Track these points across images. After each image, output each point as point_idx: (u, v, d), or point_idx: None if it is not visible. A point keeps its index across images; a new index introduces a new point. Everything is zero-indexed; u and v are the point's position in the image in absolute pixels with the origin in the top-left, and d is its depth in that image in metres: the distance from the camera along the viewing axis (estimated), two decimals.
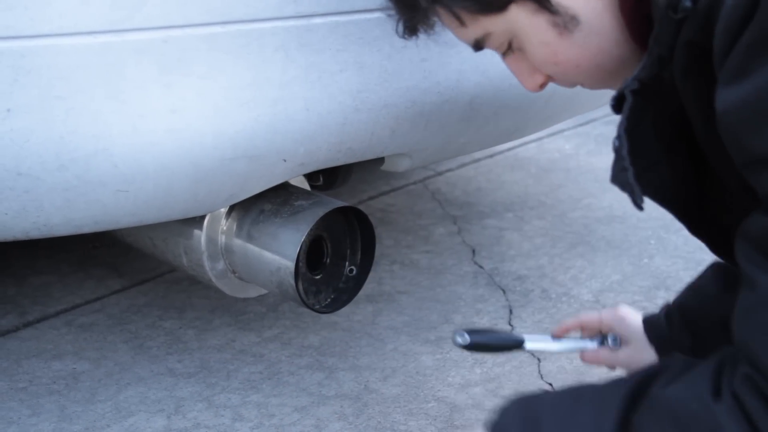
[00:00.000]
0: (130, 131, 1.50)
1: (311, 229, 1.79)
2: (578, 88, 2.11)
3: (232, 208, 1.91)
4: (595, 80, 1.28)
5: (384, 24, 1.66)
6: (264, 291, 2.08)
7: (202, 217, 1.89)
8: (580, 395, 1.23)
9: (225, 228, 1.92)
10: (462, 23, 1.27)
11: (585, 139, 4.11)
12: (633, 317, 1.67)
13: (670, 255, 2.81)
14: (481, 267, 2.75)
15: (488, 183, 3.53)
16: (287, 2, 1.55)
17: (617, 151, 1.21)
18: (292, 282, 1.76)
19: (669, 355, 1.32)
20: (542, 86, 1.35)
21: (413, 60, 1.72)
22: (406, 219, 3.17)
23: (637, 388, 1.16)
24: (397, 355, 2.22)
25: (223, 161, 1.60)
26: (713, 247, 1.40)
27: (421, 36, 1.38)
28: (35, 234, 1.63)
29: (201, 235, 1.92)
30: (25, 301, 2.51)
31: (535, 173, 3.63)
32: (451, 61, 1.78)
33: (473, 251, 2.89)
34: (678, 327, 1.59)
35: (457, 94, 1.82)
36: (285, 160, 1.68)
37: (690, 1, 1.07)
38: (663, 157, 1.27)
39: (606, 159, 3.79)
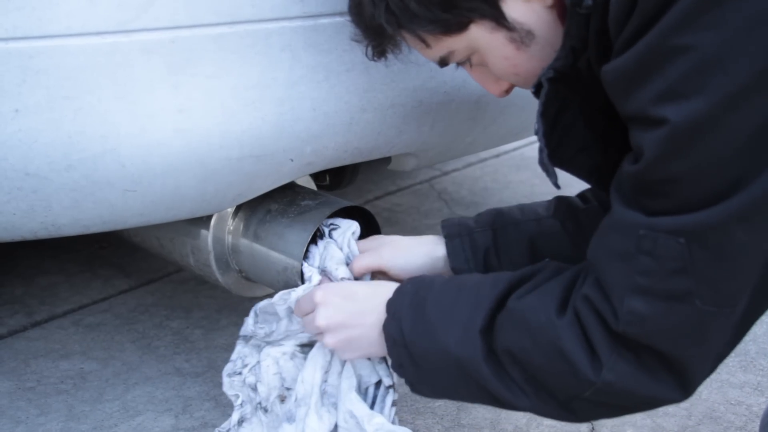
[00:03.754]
0: (137, 131, 1.50)
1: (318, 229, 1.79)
2: None
3: (239, 208, 1.91)
4: None
5: None
6: (271, 290, 2.08)
7: (209, 217, 1.89)
8: (462, 286, 1.36)
9: (232, 228, 1.92)
10: (427, 45, 1.36)
11: None
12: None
13: None
14: None
15: (494, 183, 3.53)
16: (294, 2, 1.56)
17: (536, 133, 1.33)
18: (299, 282, 1.76)
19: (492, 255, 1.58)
20: (507, 92, 1.46)
21: (420, 60, 1.72)
22: (412, 219, 3.17)
23: (506, 290, 1.30)
24: None
25: (230, 161, 1.60)
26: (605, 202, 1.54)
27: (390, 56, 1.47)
28: (43, 234, 1.63)
29: (208, 235, 1.92)
30: (32, 301, 2.52)
31: (541, 173, 3.60)
32: None
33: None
34: (483, 225, 1.65)
35: (463, 94, 1.82)
36: (292, 160, 1.68)
37: None
38: (594, 142, 1.40)
39: None
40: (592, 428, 1.94)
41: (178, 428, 1.93)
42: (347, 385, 1.55)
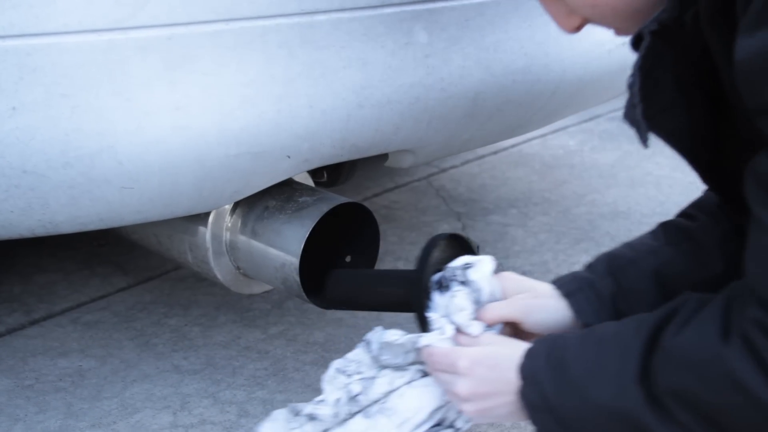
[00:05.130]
0: (134, 128, 1.51)
1: (315, 226, 1.79)
2: (583, 83, 2.13)
3: (236, 205, 1.92)
4: (629, 24, 1.25)
5: (387, 20, 1.67)
6: (269, 287, 2.09)
7: (207, 214, 1.90)
8: (602, 338, 1.24)
9: (230, 225, 1.93)
10: None
11: (589, 135, 4.11)
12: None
13: None
14: None
15: (492, 179, 3.53)
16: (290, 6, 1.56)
17: (630, 87, 1.23)
18: (297, 278, 1.76)
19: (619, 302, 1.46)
20: (578, 28, 1.32)
21: (417, 56, 1.73)
22: (410, 216, 3.17)
23: (654, 332, 1.18)
24: None
25: (227, 158, 1.61)
26: (723, 198, 1.42)
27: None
28: (41, 231, 1.64)
29: (206, 232, 1.93)
30: (30, 299, 2.52)
31: (539, 169, 3.63)
32: (454, 57, 1.79)
33: (477, 247, 2.89)
34: (601, 273, 1.51)
35: (460, 90, 1.82)
36: (289, 157, 1.68)
37: None
38: (680, 101, 1.28)
39: (610, 155, 3.81)
40: None
41: (177, 425, 1.93)
42: None
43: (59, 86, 1.43)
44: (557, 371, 1.25)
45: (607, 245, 2.84)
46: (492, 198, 3.34)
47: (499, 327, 1.45)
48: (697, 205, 1.53)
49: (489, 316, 1.44)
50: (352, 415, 1.46)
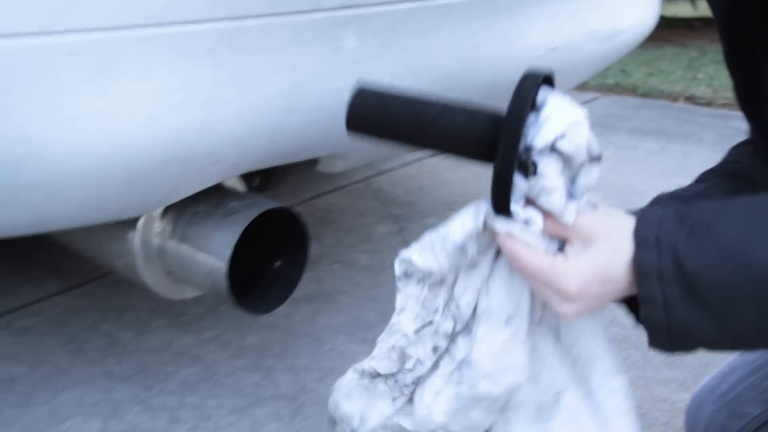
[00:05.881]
0: (62, 134, 1.50)
1: (244, 231, 1.79)
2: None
3: (166, 210, 1.91)
4: None
5: (317, 26, 1.67)
6: (199, 293, 2.08)
7: (137, 219, 1.89)
8: (753, 204, 1.03)
9: (160, 230, 1.92)
10: None
11: None
12: None
13: None
14: None
15: (430, 182, 3.55)
16: (219, 4, 1.55)
17: None
18: (226, 283, 1.76)
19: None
20: None
21: (346, 61, 1.73)
22: (348, 218, 3.18)
23: None
24: (334, 356, 2.23)
25: (155, 163, 1.60)
26: (738, 82, 1.32)
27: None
28: None
29: (136, 237, 1.92)
30: None
31: (477, 171, 3.64)
32: (384, 63, 1.79)
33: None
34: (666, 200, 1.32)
35: None
36: (217, 162, 1.68)
37: None
38: None
39: None
40: None
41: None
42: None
43: None
44: (698, 233, 1.01)
45: None
46: (429, 200, 3.35)
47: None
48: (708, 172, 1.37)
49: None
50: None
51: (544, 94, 1.04)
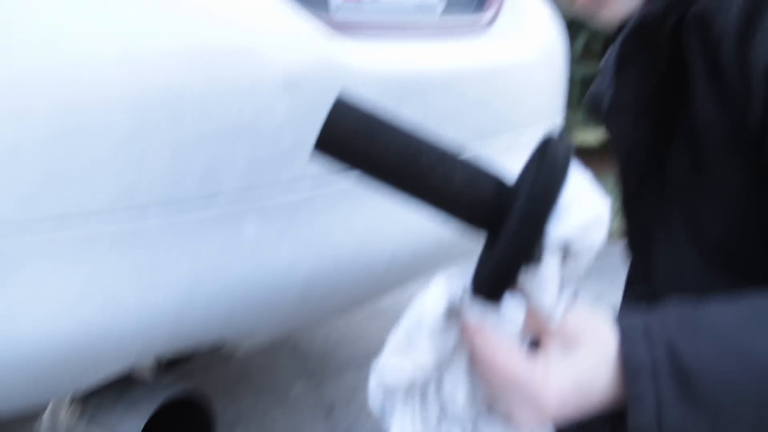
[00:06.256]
0: None
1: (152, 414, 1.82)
2: (417, 256, 2.20)
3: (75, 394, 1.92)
4: None
5: (217, 218, 1.72)
6: None
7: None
8: (748, 302, 0.97)
9: (68, 413, 1.93)
10: None
11: None
12: None
13: None
14: (335, 426, 2.79)
15: (347, 334, 3.58)
16: (120, 202, 1.60)
17: (603, 69, 1.22)
18: None
19: None
20: None
21: (246, 250, 1.78)
22: (265, 375, 3.19)
23: None
24: None
25: (60, 359, 1.62)
26: (630, 234, 1.32)
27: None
28: None
29: (44, 421, 1.93)
30: None
31: (395, 322, 3.68)
32: (283, 248, 1.84)
33: (329, 409, 2.93)
34: None
35: (290, 280, 1.88)
36: (122, 353, 1.71)
37: None
38: (634, 109, 1.21)
39: None
40: None
41: None
42: None
43: None
44: (689, 327, 0.94)
45: None
46: (346, 354, 3.38)
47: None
48: None
49: None
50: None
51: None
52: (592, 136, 6.86)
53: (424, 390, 0.97)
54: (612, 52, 1.18)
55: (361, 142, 0.92)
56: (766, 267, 1.07)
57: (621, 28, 1.17)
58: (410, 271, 2.33)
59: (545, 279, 0.89)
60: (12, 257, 1.52)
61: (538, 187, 0.86)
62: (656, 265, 1.23)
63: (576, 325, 0.94)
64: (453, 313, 0.93)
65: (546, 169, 0.86)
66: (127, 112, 1.57)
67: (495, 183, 0.92)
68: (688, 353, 0.90)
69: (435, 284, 0.94)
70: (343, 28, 2.01)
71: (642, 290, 1.26)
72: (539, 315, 0.93)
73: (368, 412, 2.85)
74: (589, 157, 7.17)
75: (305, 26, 1.87)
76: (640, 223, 1.28)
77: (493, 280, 0.90)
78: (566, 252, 0.89)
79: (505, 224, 0.88)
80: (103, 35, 1.56)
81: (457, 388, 0.97)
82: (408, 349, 0.95)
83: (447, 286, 0.93)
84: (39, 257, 1.55)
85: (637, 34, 1.12)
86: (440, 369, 0.97)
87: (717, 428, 0.92)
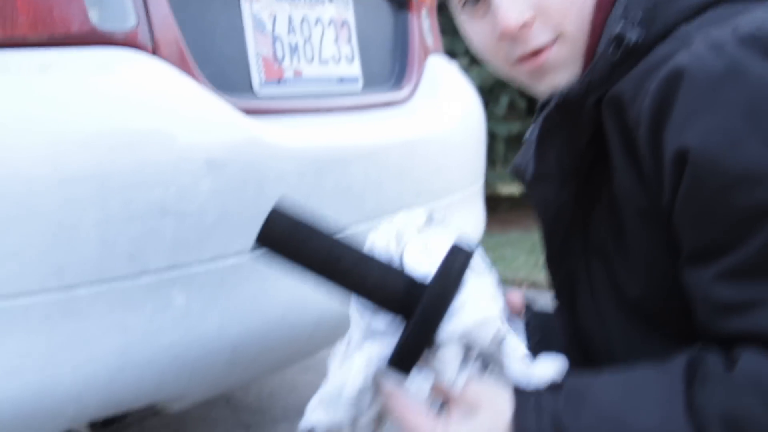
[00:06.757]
0: None
1: None
2: (343, 319, 2.30)
3: None
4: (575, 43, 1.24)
5: (145, 288, 1.81)
6: None
7: None
8: (627, 377, 1.13)
9: None
10: None
11: None
12: None
13: None
14: None
15: (281, 386, 3.65)
16: (51, 277, 1.67)
17: (528, 142, 1.30)
18: None
19: None
20: (523, 27, 1.21)
21: (175, 317, 1.86)
22: (200, 429, 3.25)
23: (688, 369, 1.10)
24: None
25: None
26: (556, 287, 1.44)
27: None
28: None
29: None
30: None
31: (327, 373, 3.76)
32: (212, 315, 1.93)
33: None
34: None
35: (219, 345, 1.95)
36: (55, 418, 1.78)
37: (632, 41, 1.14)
38: (557, 179, 1.30)
39: None
40: None
41: None
42: None
43: None
44: (574, 401, 1.11)
45: None
46: (280, 406, 3.45)
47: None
48: None
49: None
50: None
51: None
52: (515, 188, 7.04)
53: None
54: (535, 127, 1.29)
55: (292, 244, 1.14)
56: (681, 324, 1.20)
57: (547, 101, 1.29)
58: (335, 332, 2.41)
59: (444, 360, 1.12)
60: None
61: (433, 294, 1.10)
62: (580, 316, 1.35)
63: (477, 394, 1.14)
64: (375, 378, 1.16)
65: (442, 279, 1.10)
66: (55, 195, 1.66)
67: (405, 286, 1.15)
68: (569, 424, 1.08)
69: (358, 358, 1.17)
70: (265, 106, 2.13)
71: (569, 340, 1.39)
72: (443, 385, 1.14)
73: None
74: (515, 206, 7.34)
75: (226, 109, 1.99)
76: (564, 277, 1.40)
77: (399, 360, 1.13)
78: (465, 339, 1.12)
79: (409, 319, 1.11)
80: (29, 123, 1.66)
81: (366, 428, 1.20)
82: (329, 408, 1.20)
83: (367, 360, 1.16)
84: None
85: (559, 111, 1.23)
86: (354, 423, 1.21)
87: None
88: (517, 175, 1.36)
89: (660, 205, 1.15)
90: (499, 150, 6.61)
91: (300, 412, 3.23)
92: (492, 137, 6.29)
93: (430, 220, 1.30)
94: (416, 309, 1.10)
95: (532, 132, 1.31)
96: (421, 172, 2.53)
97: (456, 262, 1.12)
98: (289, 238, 1.14)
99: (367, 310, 1.20)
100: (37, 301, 1.68)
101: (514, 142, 6.68)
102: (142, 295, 1.82)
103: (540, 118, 1.26)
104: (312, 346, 2.37)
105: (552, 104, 1.23)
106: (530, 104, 6.70)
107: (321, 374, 3.67)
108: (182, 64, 1.93)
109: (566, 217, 1.33)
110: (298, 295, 2.14)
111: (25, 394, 1.70)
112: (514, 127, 6.57)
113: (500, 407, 1.13)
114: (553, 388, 1.13)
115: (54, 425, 1.81)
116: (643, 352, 1.16)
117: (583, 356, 1.31)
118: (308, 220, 1.16)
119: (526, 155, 1.32)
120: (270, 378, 3.73)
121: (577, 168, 1.29)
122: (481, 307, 1.11)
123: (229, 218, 1.92)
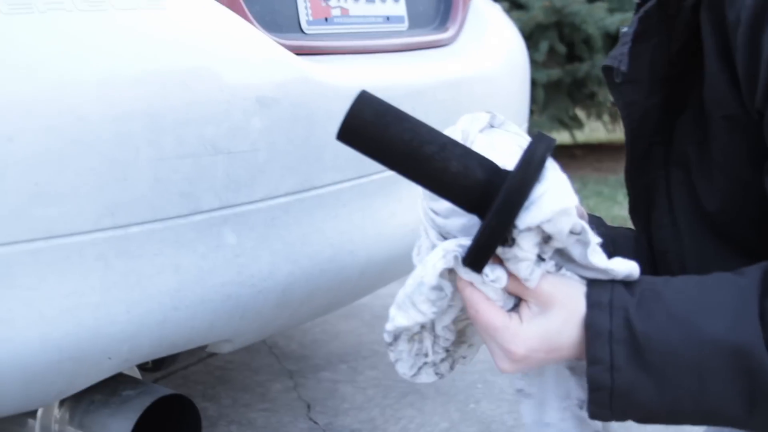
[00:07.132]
0: None
1: (139, 418, 1.90)
2: (390, 262, 2.30)
3: (64, 398, 2.01)
4: None
5: (197, 226, 1.81)
6: None
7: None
8: (703, 281, 1.12)
9: (58, 417, 2.02)
10: None
11: None
12: None
13: (496, 398, 3.00)
14: (316, 423, 2.88)
15: (323, 334, 3.68)
16: (104, 215, 1.69)
17: (622, 38, 1.27)
18: None
19: None
20: None
21: (227, 257, 1.87)
22: (244, 376, 3.28)
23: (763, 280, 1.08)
24: None
25: (50, 364, 1.71)
26: (633, 198, 1.44)
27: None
28: None
29: (35, 425, 2.01)
30: None
31: (369, 320, 3.79)
32: (263, 255, 1.94)
33: (308, 406, 3.02)
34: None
35: (270, 285, 1.97)
36: (110, 358, 1.80)
37: None
38: (647, 81, 1.29)
39: None
40: None
41: None
42: None
43: None
44: (648, 300, 1.10)
45: (432, 397, 3.02)
46: (323, 353, 3.48)
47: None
48: None
49: None
50: None
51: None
52: (555, 137, 6.98)
53: (421, 332, 1.23)
54: (633, 23, 1.27)
55: (380, 125, 1.11)
56: (756, 242, 1.20)
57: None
58: (382, 276, 2.43)
59: (518, 255, 1.09)
60: (6, 268, 1.61)
61: (513, 183, 1.06)
62: (654, 229, 1.35)
63: (551, 291, 1.13)
64: (450, 273, 1.15)
65: (522, 167, 1.07)
66: (108, 132, 1.66)
67: (486, 173, 1.11)
68: (641, 324, 1.07)
69: (434, 252, 1.15)
70: (313, 45, 2.12)
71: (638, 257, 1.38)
72: (518, 281, 1.12)
73: (346, 408, 2.96)
74: (559, 157, 7.29)
75: (275, 47, 1.98)
76: (642, 187, 1.40)
77: (474, 256, 1.10)
78: (540, 234, 1.09)
79: (487, 212, 1.08)
80: (81, 62, 1.66)
81: (445, 330, 1.23)
82: (409, 305, 1.17)
83: (443, 252, 1.14)
84: (31, 269, 1.64)
85: (657, 11, 1.22)
86: (434, 326, 1.23)
87: (661, 392, 1.08)
88: (608, 73, 1.32)
89: (749, 111, 1.13)
90: (538, 97, 6.52)
91: (342, 359, 3.27)
92: (531, 84, 6.27)
93: (492, 122, 1.30)
94: (498, 195, 1.07)
95: (629, 28, 1.27)
96: (466, 113, 2.51)
97: (539, 150, 1.08)
98: (377, 119, 1.11)
99: (439, 215, 1.20)
100: (91, 240, 1.69)
101: (553, 89, 6.60)
102: (195, 235, 1.82)
103: (637, 16, 1.24)
104: (360, 288, 2.37)
105: (651, 2, 1.22)
106: (570, 50, 6.63)
107: (363, 322, 3.73)
108: (231, 3, 1.92)
109: (653, 121, 1.32)
110: (348, 236, 2.14)
111: (81, 334, 1.72)
112: (554, 73, 6.49)
113: (574, 305, 1.13)
114: (628, 285, 1.13)
115: (109, 366, 1.82)
116: (717, 269, 1.15)
117: (653, 273, 1.28)
118: (392, 108, 1.14)
119: (620, 51, 1.29)
120: (312, 326, 3.75)
121: (669, 72, 1.28)
122: (561, 196, 1.07)
123: (280, 157, 1.91)
